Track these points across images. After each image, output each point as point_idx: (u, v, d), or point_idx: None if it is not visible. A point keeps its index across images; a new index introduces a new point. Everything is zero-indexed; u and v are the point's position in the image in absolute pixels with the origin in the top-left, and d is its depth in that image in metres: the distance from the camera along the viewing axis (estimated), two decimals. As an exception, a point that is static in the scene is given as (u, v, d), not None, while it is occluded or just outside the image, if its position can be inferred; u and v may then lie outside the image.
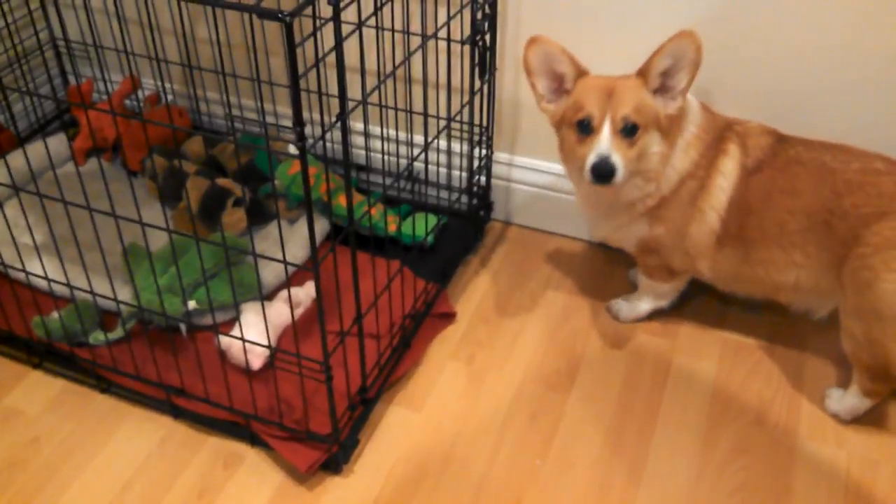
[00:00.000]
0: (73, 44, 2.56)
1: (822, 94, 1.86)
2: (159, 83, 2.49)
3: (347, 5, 1.39)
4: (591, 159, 1.65)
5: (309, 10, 1.29)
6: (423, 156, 2.21)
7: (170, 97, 2.52)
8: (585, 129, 1.68)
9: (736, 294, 1.93)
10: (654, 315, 2.03)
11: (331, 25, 1.30)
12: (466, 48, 1.99)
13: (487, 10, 1.89)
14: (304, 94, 1.28)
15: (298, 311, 1.92)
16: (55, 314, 1.88)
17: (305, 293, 1.95)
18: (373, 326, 1.84)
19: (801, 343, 1.97)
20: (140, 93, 2.52)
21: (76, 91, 2.38)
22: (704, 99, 1.83)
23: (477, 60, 1.96)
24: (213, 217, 2.13)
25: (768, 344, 1.97)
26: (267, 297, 1.97)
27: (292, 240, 2.12)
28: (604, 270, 2.19)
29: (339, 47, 1.32)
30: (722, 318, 2.04)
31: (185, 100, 2.53)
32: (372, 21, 1.92)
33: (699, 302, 2.06)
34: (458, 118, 2.11)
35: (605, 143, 1.65)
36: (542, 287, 2.14)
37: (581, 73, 1.72)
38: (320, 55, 1.30)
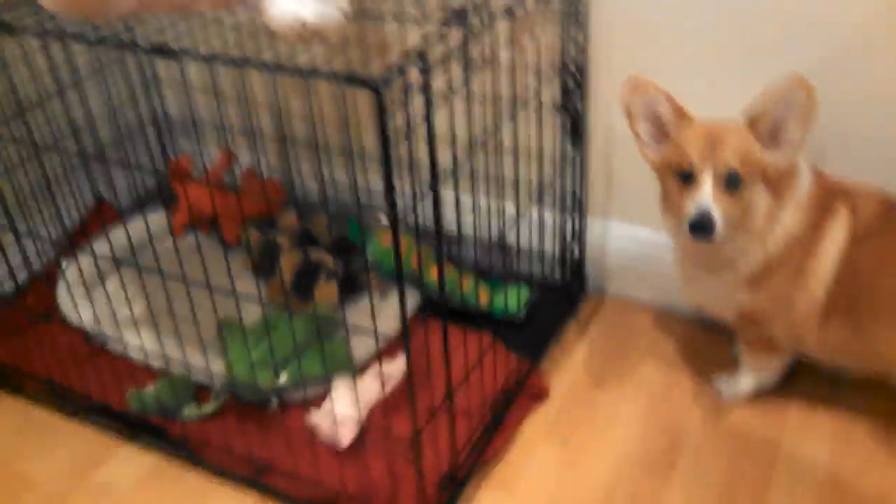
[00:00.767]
0: (173, 120, 2.64)
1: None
2: (255, 157, 2.54)
3: (434, 72, 1.37)
4: (691, 212, 1.57)
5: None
6: (515, 226, 2.18)
7: (265, 171, 2.56)
8: (686, 178, 1.60)
9: (847, 371, 1.81)
10: (760, 394, 1.92)
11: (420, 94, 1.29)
12: (555, 115, 1.97)
13: (578, 75, 1.86)
14: (395, 164, 1.27)
15: (389, 386, 1.89)
16: (150, 387, 1.89)
17: (396, 367, 1.92)
18: (464, 403, 1.79)
19: (923, 426, 1.84)
20: (237, 167, 2.57)
21: (175, 166, 2.44)
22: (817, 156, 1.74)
23: (569, 128, 1.92)
24: (306, 291, 2.13)
25: (886, 428, 1.84)
26: (358, 371, 1.95)
27: (384, 312, 2.10)
28: (706, 345, 2.09)
29: (429, 117, 1.30)
30: (834, 400, 1.91)
31: (280, 173, 2.57)
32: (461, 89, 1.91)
33: (808, 381, 1.94)
34: (550, 187, 2.07)
35: (706, 195, 1.56)
36: (640, 362, 2.06)
37: (683, 116, 1.64)
38: (411, 124, 1.28)
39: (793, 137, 1.57)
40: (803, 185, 1.66)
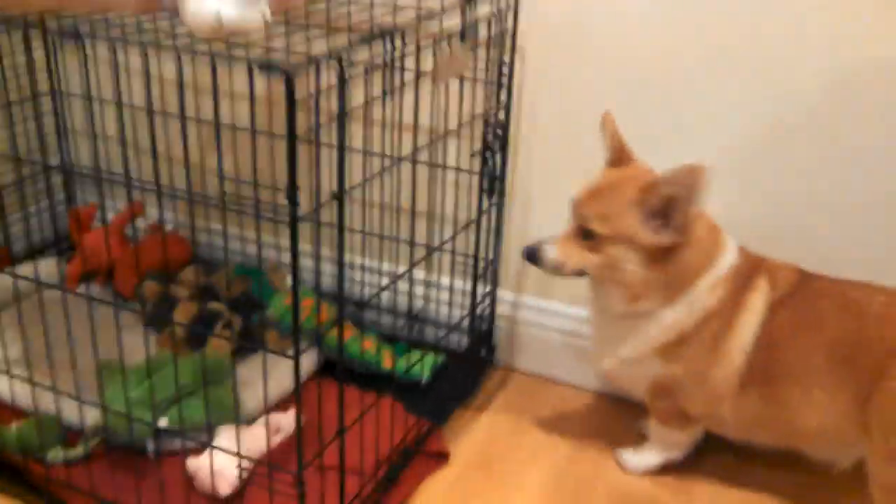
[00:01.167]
0: (82, 169, 2.55)
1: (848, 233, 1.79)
2: (162, 212, 2.45)
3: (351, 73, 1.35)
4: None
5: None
6: (422, 292, 2.13)
7: (171, 226, 2.48)
8: None
9: (755, 443, 1.76)
10: (667, 470, 1.85)
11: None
12: (475, 179, 1.95)
13: (500, 131, 1.86)
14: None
15: (278, 438, 1.77)
16: (12, 426, 1.73)
17: (287, 420, 1.80)
18: (356, 459, 1.67)
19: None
20: (142, 221, 2.48)
21: (77, 215, 2.33)
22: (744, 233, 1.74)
23: (486, 183, 1.90)
24: (201, 341, 2.02)
25: (791, 501, 1.78)
26: (246, 422, 1.82)
27: (278, 369, 1.99)
28: (613, 421, 2.03)
29: (341, 116, 1.26)
30: (740, 475, 1.85)
31: (188, 230, 2.48)
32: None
33: (713, 459, 1.88)
34: (462, 252, 2.03)
35: (554, 235, 1.67)
36: (546, 434, 1.97)
37: (612, 160, 1.71)
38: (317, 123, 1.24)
39: (676, 221, 1.56)
40: (726, 261, 1.66)
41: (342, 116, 1.28)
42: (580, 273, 1.67)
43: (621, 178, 1.65)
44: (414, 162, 1.84)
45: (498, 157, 1.92)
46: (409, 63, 1.51)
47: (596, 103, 1.79)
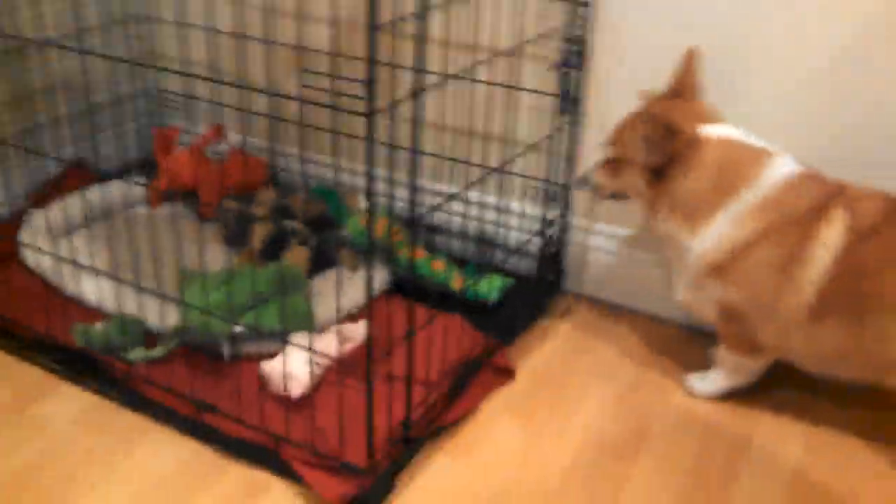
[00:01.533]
0: (168, 93, 2.62)
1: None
2: (244, 136, 2.51)
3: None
4: None
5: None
6: (493, 217, 2.14)
7: (253, 149, 2.53)
8: None
9: (832, 377, 1.73)
10: (734, 395, 1.84)
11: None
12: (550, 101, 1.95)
13: (577, 48, 1.85)
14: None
15: (348, 347, 1.81)
16: (98, 324, 1.81)
17: (357, 329, 1.84)
18: (423, 370, 1.71)
19: (902, 438, 1.75)
20: (224, 143, 2.54)
21: (161, 135, 2.40)
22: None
23: (560, 91, 1.89)
24: (276, 257, 2.07)
25: (862, 438, 1.75)
26: (318, 332, 1.87)
27: (353, 285, 2.04)
28: (682, 349, 2.02)
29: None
30: (809, 406, 1.83)
31: (268, 153, 2.54)
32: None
33: (782, 392, 1.86)
34: (534, 176, 2.03)
35: (592, 164, 1.86)
36: (612, 356, 1.98)
37: (673, 91, 1.75)
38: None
39: (664, 147, 1.67)
40: (756, 192, 1.63)
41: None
42: (616, 196, 1.84)
43: (652, 109, 1.70)
44: (488, 83, 1.84)
45: (574, 76, 1.90)
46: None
47: (681, 26, 1.76)
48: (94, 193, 2.32)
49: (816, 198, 1.63)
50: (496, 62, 1.98)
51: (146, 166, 2.58)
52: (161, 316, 1.83)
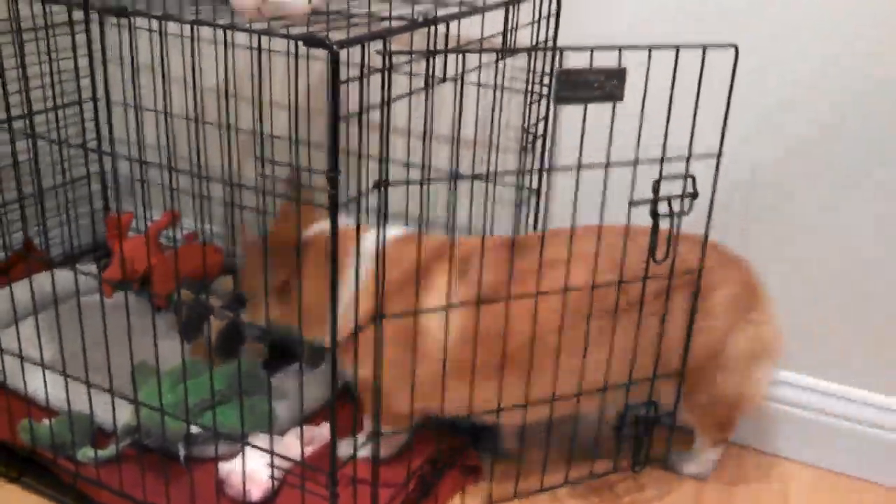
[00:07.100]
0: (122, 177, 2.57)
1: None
2: (199, 224, 2.45)
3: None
4: None
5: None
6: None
7: (209, 236, 2.47)
8: None
9: None
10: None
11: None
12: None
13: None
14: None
15: (310, 449, 1.74)
16: (46, 421, 1.72)
17: (320, 432, 1.78)
18: (389, 473, 1.64)
19: None
20: (179, 231, 2.48)
21: (114, 221, 2.34)
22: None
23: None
24: (232, 352, 2.00)
25: None
26: (278, 433, 1.79)
27: (315, 382, 1.97)
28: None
29: (387, 100, 1.24)
30: None
31: (224, 240, 2.48)
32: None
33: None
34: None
35: None
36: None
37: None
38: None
39: None
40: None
41: (387, 101, 1.25)
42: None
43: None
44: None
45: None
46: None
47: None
48: (43, 280, 2.22)
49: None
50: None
51: (98, 252, 2.50)
52: (112, 411, 1.74)
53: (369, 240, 1.54)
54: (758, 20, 1.77)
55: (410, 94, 1.45)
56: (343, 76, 1.15)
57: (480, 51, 1.73)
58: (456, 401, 1.63)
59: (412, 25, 1.40)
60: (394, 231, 1.64)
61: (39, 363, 1.80)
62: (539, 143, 1.95)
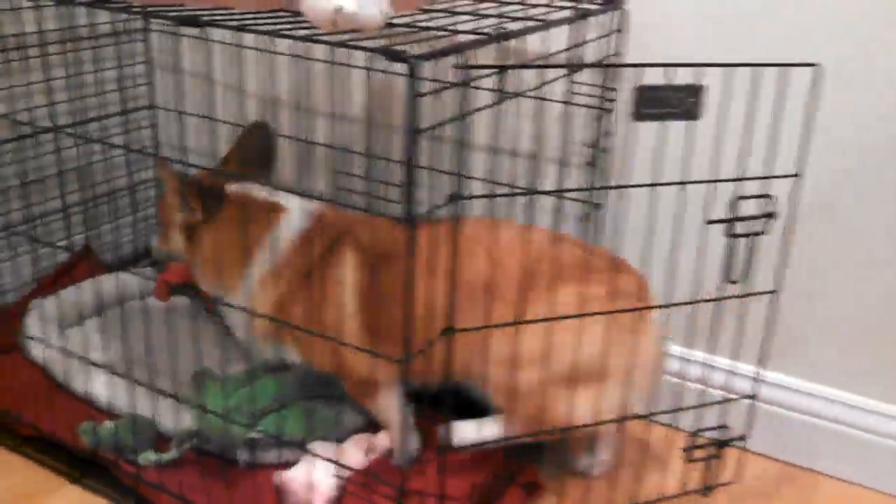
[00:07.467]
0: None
1: None
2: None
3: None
4: None
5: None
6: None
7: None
8: None
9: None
10: None
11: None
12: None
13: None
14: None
15: (372, 458, 1.73)
16: (108, 423, 1.73)
17: (381, 440, 1.77)
18: (453, 488, 1.63)
19: None
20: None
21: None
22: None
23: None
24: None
25: None
26: (340, 439, 1.78)
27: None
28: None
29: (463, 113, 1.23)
30: None
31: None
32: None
33: None
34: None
35: None
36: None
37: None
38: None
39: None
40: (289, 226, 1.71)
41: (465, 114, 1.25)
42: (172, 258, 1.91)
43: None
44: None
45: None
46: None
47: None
48: (106, 282, 2.25)
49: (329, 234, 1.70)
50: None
51: (151, 258, 2.52)
52: (175, 414, 1.74)
53: (294, 214, 1.71)
54: (839, 39, 1.74)
55: (488, 106, 1.45)
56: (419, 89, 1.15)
57: (563, 66, 1.71)
58: None
59: (489, 39, 1.39)
60: (310, 205, 1.75)
61: (101, 365, 1.82)
62: (601, 158, 1.94)
